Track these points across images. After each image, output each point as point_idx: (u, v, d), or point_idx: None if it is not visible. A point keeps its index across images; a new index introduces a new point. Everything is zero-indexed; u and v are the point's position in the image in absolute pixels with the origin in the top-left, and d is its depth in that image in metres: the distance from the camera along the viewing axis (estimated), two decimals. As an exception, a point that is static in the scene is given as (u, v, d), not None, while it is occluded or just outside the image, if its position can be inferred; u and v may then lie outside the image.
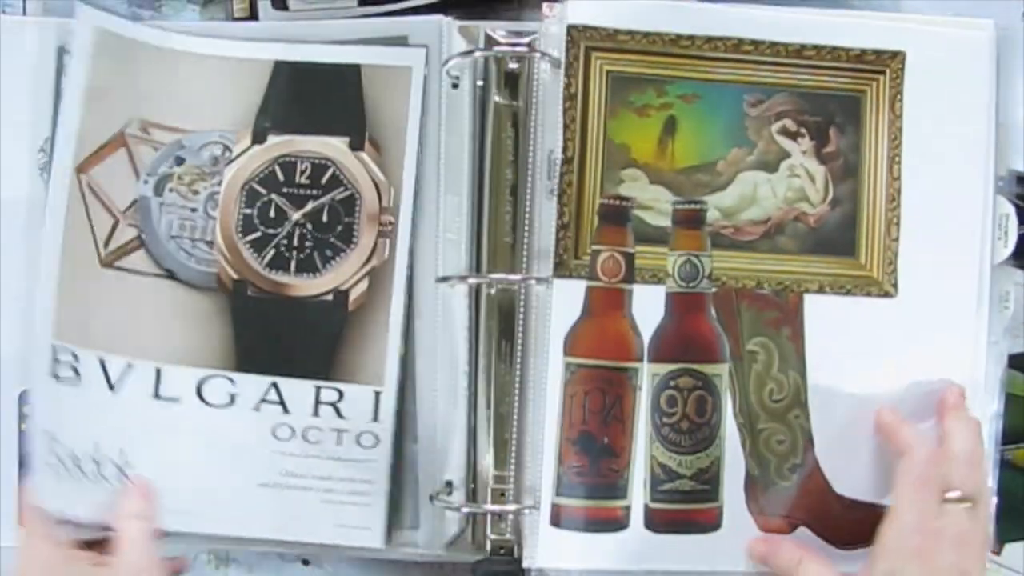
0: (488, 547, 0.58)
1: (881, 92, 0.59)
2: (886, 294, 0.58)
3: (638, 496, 0.58)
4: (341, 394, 0.58)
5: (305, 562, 0.61)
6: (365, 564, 0.60)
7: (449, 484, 0.59)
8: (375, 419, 0.58)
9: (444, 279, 0.59)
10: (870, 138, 0.59)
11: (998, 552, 0.58)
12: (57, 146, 0.59)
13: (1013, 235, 0.59)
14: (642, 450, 0.58)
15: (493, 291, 0.59)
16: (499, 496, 0.59)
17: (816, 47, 0.59)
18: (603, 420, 0.57)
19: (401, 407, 0.59)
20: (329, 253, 0.59)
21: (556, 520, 0.57)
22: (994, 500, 0.57)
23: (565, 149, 0.58)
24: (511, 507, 0.58)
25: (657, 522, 0.58)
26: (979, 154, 0.59)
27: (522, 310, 0.59)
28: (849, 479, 0.57)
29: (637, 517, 0.58)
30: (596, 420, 0.57)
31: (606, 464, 0.57)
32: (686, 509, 0.58)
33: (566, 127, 0.58)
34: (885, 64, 0.59)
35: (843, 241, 0.59)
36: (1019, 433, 0.59)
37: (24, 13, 0.63)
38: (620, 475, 0.58)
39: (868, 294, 0.58)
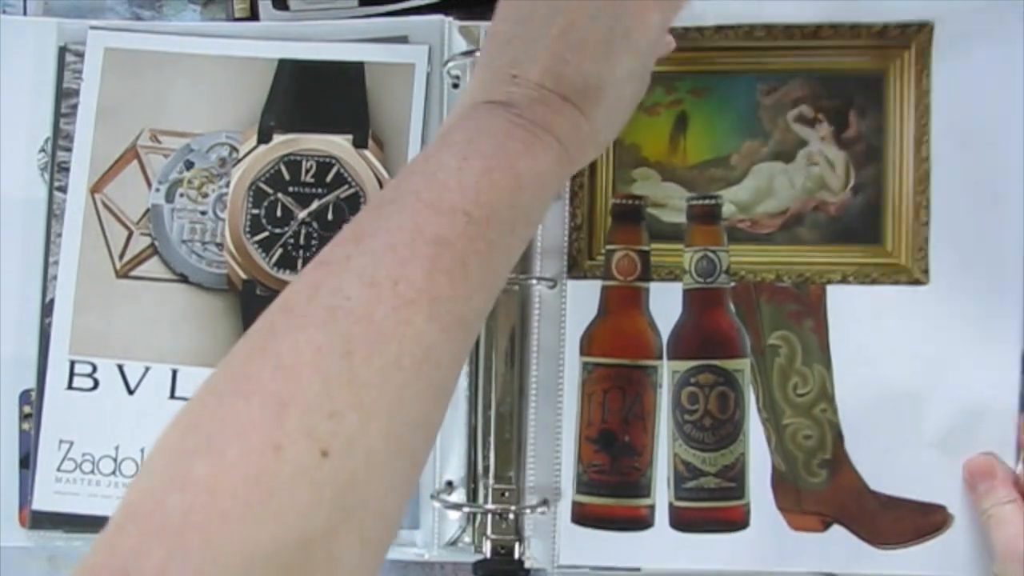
0: (488, 547, 0.57)
1: (906, 68, 0.55)
2: (916, 281, 0.55)
3: (662, 495, 0.56)
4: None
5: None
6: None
7: (449, 484, 0.57)
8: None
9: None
10: (894, 118, 0.55)
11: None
12: (72, 169, 0.59)
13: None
14: (665, 448, 0.56)
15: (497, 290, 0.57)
16: (499, 496, 0.57)
17: (833, 26, 0.55)
18: (623, 418, 0.55)
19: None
20: (335, 252, 0.58)
21: (578, 518, 0.56)
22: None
23: None
24: (512, 507, 0.56)
25: (683, 521, 0.55)
26: (1015, 127, 0.54)
27: (526, 310, 0.57)
28: (885, 475, 0.54)
29: (662, 516, 0.55)
30: (616, 418, 0.55)
31: (628, 462, 0.55)
32: (712, 507, 0.55)
33: None
34: (910, 38, 0.55)
35: (867, 228, 0.55)
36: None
37: (24, 13, 0.62)
38: (643, 473, 0.55)
39: (896, 282, 0.55)
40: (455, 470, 0.57)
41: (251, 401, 0.31)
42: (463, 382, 0.57)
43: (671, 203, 0.56)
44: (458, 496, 0.57)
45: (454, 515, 0.57)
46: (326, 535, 0.30)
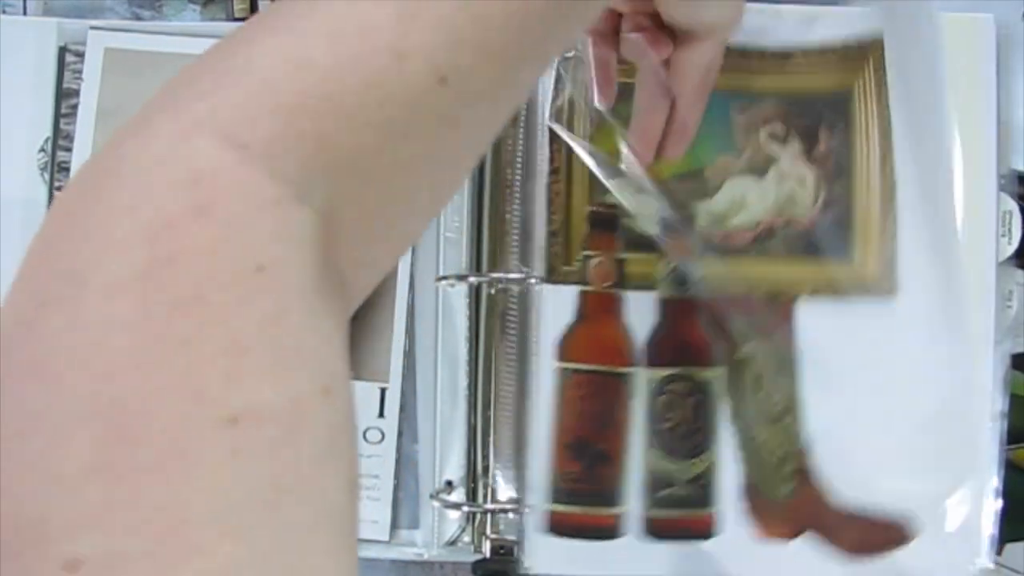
0: (487, 547, 0.56)
1: (868, 83, 0.55)
2: (884, 296, 0.54)
3: (634, 503, 0.54)
4: (348, 390, 0.56)
5: (306, 562, 0.59)
6: (365, 564, 0.58)
7: (449, 484, 0.56)
8: (380, 415, 0.56)
9: (443, 278, 0.56)
10: (860, 134, 0.55)
11: (999, 552, 0.56)
12: (72, 169, 0.57)
13: (1017, 232, 0.55)
14: (638, 456, 0.54)
15: (493, 291, 0.56)
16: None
17: (804, 51, 0.55)
18: (598, 426, 0.54)
19: (403, 406, 0.57)
20: (333, 250, 0.57)
21: (550, 526, 0.54)
22: (999, 501, 0.54)
23: (552, 159, 0.55)
24: (511, 507, 0.55)
25: (653, 529, 0.54)
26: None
27: (514, 310, 0.56)
28: (850, 487, 0.54)
29: (633, 524, 0.54)
30: (592, 426, 0.54)
31: (601, 470, 0.54)
32: (682, 515, 0.54)
33: (553, 139, 0.55)
34: (868, 52, 0.55)
35: (837, 243, 0.55)
36: (1022, 433, 0.57)
37: (24, 13, 0.61)
38: (616, 481, 0.54)
39: (864, 296, 0.55)
40: (455, 470, 0.57)
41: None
42: (463, 382, 0.56)
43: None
44: (458, 496, 0.56)
45: (454, 515, 0.56)
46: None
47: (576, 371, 0.55)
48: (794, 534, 0.54)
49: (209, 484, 0.21)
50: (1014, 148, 0.56)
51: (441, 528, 0.56)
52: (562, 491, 0.54)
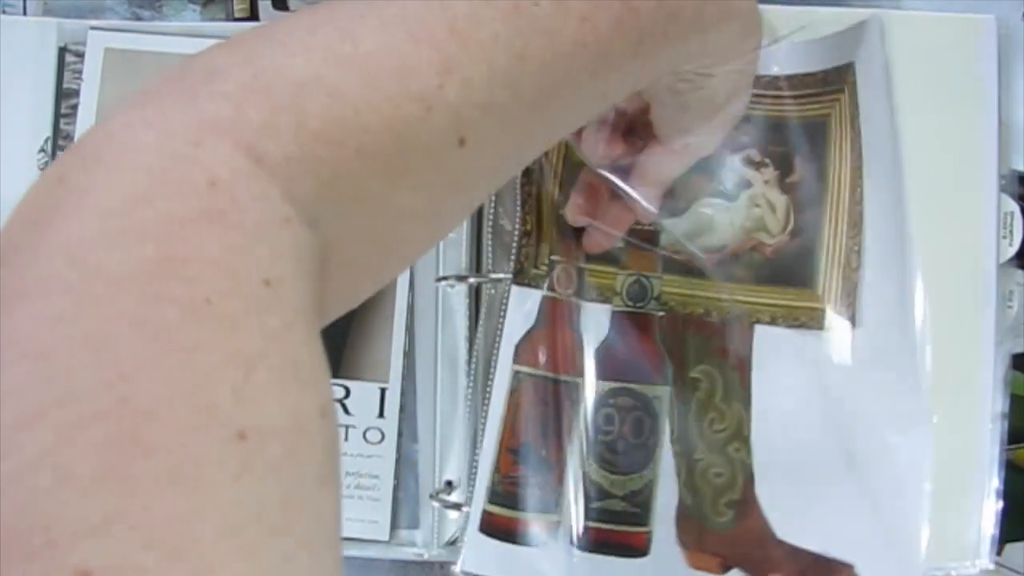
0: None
1: (844, 111, 0.54)
2: (844, 327, 0.53)
3: (568, 512, 0.53)
4: (348, 391, 0.56)
5: (306, 563, 0.59)
6: (365, 564, 0.58)
7: (449, 484, 0.56)
8: (380, 415, 0.56)
9: (443, 278, 0.56)
10: (834, 163, 0.54)
11: (999, 552, 0.55)
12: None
13: (1018, 233, 0.55)
14: (577, 466, 0.53)
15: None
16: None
17: (788, 77, 0.54)
18: (543, 432, 0.53)
19: (403, 406, 0.56)
20: (333, 251, 0.56)
21: (485, 528, 0.53)
22: (999, 501, 0.54)
23: None
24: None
25: (585, 540, 0.53)
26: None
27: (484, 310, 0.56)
28: (792, 524, 0.52)
29: (565, 533, 0.53)
30: (536, 431, 0.53)
31: (542, 477, 0.53)
32: (615, 530, 0.53)
33: None
34: (843, 79, 0.54)
35: (801, 272, 0.54)
36: (1022, 433, 0.57)
37: (24, 13, 0.61)
38: (554, 489, 0.53)
39: (823, 327, 0.53)
40: (455, 470, 0.56)
41: None
42: (463, 382, 0.56)
43: None
44: (458, 496, 0.56)
45: (454, 515, 0.56)
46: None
47: (528, 375, 0.54)
48: (724, 569, 0.52)
49: (220, 500, 0.21)
50: (1014, 148, 0.56)
51: (441, 528, 0.56)
52: (500, 493, 0.53)
